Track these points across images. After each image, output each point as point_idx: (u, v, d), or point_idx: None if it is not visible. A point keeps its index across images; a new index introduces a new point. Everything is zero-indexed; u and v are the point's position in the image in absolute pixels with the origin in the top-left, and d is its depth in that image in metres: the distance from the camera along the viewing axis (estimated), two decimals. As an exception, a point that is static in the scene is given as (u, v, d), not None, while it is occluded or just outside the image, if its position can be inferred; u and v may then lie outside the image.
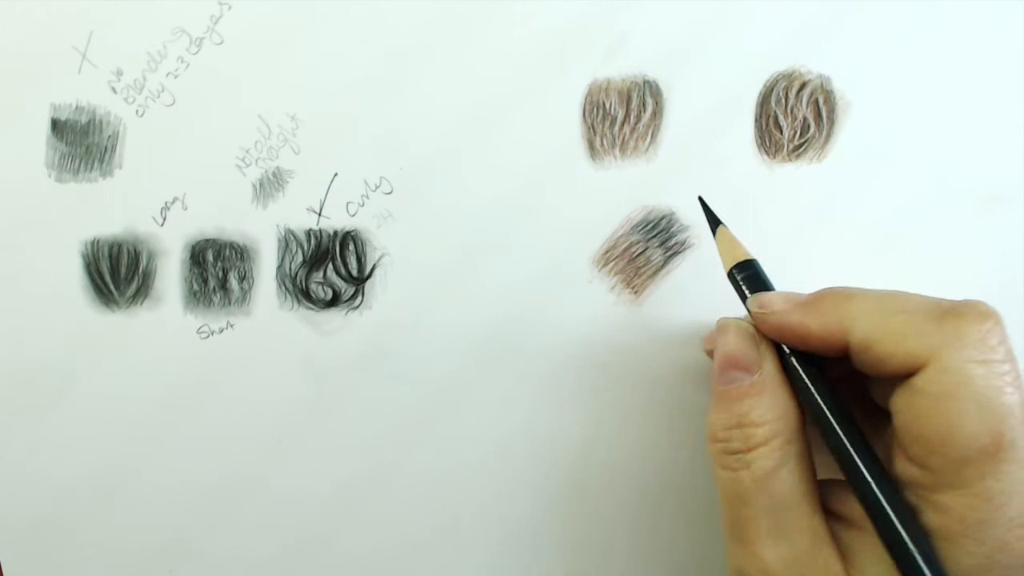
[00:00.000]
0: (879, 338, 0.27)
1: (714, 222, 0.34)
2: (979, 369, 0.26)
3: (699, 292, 0.36)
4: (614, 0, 0.36)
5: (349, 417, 0.37)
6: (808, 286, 0.36)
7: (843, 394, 0.30)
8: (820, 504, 0.29)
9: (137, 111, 0.36)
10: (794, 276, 0.37)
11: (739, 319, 0.32)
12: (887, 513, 0.27)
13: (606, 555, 0.38)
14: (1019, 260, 0.38)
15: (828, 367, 0.30)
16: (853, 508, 0.29)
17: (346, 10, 0.36)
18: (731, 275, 0.32)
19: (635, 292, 0.37)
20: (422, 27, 0.36)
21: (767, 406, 0.29)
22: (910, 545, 0.26)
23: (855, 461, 0.28)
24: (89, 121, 0.36)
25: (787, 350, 0.30)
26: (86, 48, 0.35)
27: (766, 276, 0.32)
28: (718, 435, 0.30)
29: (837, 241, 0.37)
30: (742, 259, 0.32)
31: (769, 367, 0.30)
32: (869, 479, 0.27)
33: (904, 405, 0.27)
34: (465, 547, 0.38)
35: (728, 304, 0.35)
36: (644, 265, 0.37)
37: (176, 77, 0.36)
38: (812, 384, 0.29)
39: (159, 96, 0.36)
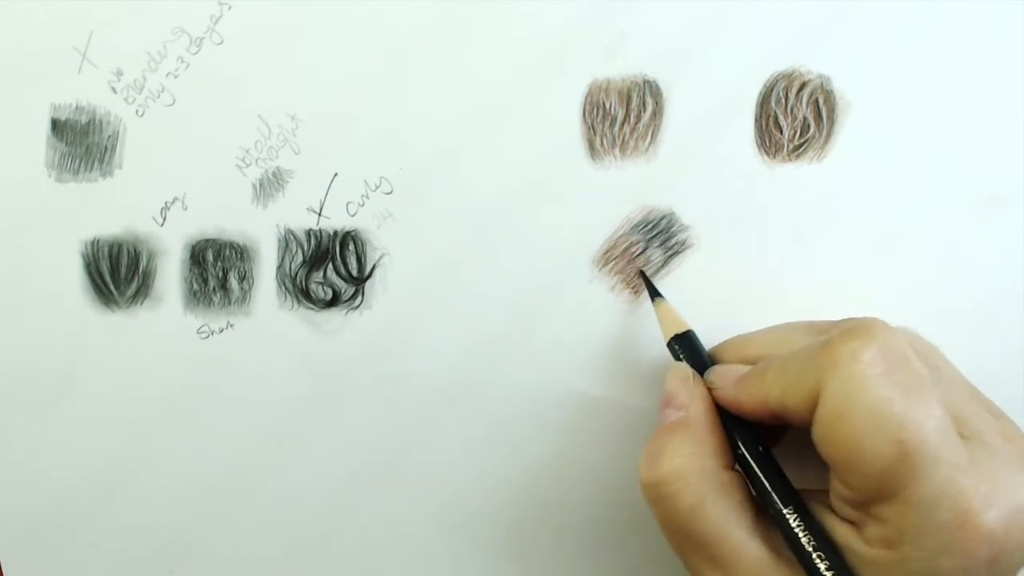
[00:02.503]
0: (785, 394, 0.29)
1: (654, 294, 0.36)
2: (859, 385, 0.27)
3: (699, 292, 0.35)
4: (614, 0, 0.36)
5: (349, 417, 0.37)
6: (808, 286, 0.36)
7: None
8: (760, 528, 0.30)
9: (137, 111, 0.36)
10: (795, 276, 0.37)
11: (685, 364, 0.33)
12: (801, 544, 0.28)
13: (608, 552, 0.38)
14: (1019, 260, 0.38)
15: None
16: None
17: (346, 10, 0.36)
18: (670, 345, 0.34)
19: (635, 292, 0.37)
20: (422, 27, 0.36)
21: (684, 441, 0.30)
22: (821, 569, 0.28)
23: (772, 498, 0.30)
24: (89, 121, 0.36)
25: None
26: (86, 48, 0.35)
27: (700, 345, 0.34)
28: (640, 470, 0.31)
29: (837, 241, 0.37)
30: (681, 330, 0.34)
31: (696, 408, 0.31)
32: (784, 513, 0.29)
33: (816, 436, 0.28)
34: (464, 547, 0.38)
35: (727, 304, 0.35)
36: (644, 265, 0.37)
37: (176, 77, 0.36)
38: (733, 427, 0.31)
39: (159, 96, 0.36)
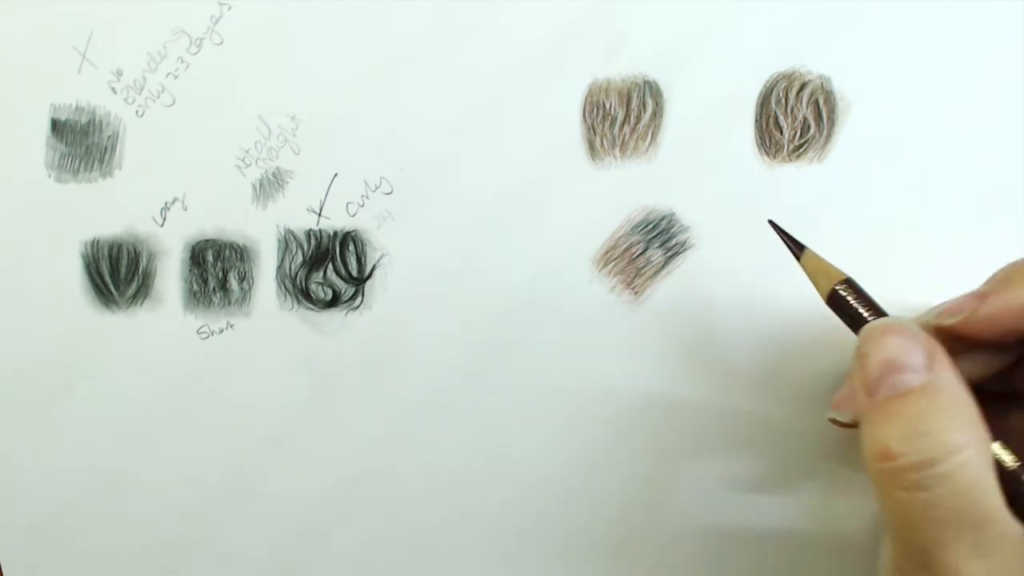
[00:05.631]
0: None
1: (797, 247, 0.32)
2: None
3: (700, 293, 0.35)
4: (614, 0, 0.36)
5: (349, 417, 0.37)
6: (808, 286, 0.36)
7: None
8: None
9: (137, 111, 0.36)
10: (794, 276, 0.37)
11: (884, 321, 0.29)
12: None
13: (605, 558, 0.38)
14: (1019, 260, 0.38)
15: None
16: None
17: (346, 11, 0.36)
18: (833, 300, 0.30)
19: (635, 293, 0.37)
20: (422, 27, 0.36)
21: (953, 407, 0.25)
22: None
23: None
24: (89, 121, 0.36)
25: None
26: (86, 48, 0.35)
27: (868, 294, 0.30)
28: (893, 450, 0.25)
29: (837, 241, 0.37)
30: (842, 278, 0.30)
31: (944, 371, 0.26)
32: None
33: None
34: (463, 547, 0.38)
35: (729, 304, 0.35)
36: (644, 266, 0.37)
37: (176, 77, 0.36)
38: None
39: (159, 96, 0.36)
